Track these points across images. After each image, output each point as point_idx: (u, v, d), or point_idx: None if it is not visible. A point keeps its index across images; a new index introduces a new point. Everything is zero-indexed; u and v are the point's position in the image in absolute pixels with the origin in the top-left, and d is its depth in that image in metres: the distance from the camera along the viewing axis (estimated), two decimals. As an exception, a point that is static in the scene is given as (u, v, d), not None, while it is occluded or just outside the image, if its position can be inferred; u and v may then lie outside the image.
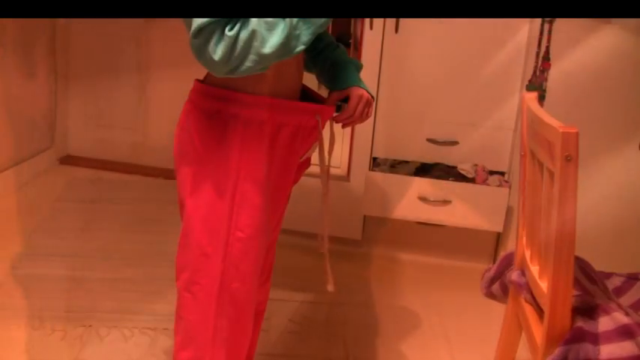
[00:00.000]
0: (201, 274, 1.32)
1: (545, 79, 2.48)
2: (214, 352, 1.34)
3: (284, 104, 1.31)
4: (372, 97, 1.49)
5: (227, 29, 1.11)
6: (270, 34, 1.13)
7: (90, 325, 2.09)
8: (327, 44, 1.54)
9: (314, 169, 1.51)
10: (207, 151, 1.29)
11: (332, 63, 1.51)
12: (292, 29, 1.14)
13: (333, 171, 2.75)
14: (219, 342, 1.34)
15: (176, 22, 1.17)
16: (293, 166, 1.41)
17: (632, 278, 1.52)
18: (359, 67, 1.54)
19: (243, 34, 1.12)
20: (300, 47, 1.17)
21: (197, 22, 1.11)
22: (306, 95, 1.47)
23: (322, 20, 1.18)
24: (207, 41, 1.12)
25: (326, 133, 1.44)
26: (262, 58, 1.14)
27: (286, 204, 1.52)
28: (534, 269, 1.40)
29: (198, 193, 1.31)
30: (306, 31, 1.16)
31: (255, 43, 1.12)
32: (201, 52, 1.13)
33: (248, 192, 1.29)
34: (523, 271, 1.52)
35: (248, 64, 1.14)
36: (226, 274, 1.31)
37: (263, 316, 1.66)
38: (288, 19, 1.14)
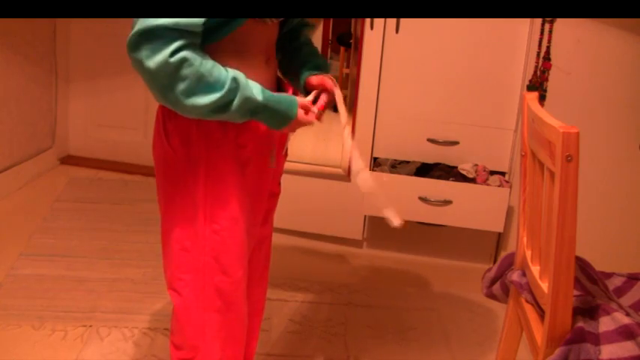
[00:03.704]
0: (183, 269, 1.32)
1: (546, 79, 2.48)
2: (207, 348, 1.34)
3: None
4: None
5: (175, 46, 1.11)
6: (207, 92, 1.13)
7: (90, 325, 2.09)
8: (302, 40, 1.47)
9: (311, 168, 1.49)
10: (175, 151, 1.28)
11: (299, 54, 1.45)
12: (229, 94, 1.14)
13: (333, 171, 2.75)
14: (211, 337, 1.34)
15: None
16: (268, 157, 1.37)
17: (632, 278, 1.52)
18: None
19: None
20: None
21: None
22: (281, 89, 1.42)
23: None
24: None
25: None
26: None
27: (275, 195, 1.50)
28: (535, 269, 1.40)
29: (170, 191, 1.31)
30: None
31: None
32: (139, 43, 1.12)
33: (217, 183, 1.28)
34: (524, 272, 1.52)
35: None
36: (207, 267, 1.30)
37: (262, 314, 1.65)
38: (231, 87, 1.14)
